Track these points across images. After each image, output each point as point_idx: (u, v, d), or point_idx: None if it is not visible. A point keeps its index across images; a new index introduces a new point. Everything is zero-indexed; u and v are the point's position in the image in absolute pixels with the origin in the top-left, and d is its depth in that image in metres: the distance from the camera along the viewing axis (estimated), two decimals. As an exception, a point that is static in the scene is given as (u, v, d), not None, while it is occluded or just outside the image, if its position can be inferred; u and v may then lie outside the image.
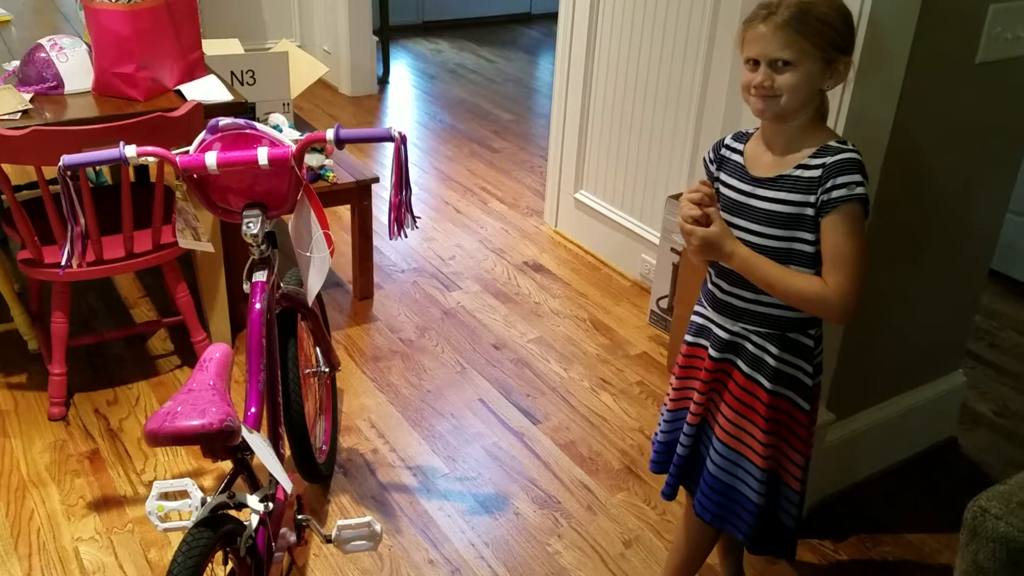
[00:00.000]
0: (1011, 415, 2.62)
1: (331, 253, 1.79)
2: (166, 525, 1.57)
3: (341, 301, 3.02)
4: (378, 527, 1.76)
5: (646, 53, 2.90)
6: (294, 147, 1.63)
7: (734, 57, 2.55)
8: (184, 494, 1.54)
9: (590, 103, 3.22)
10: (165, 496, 1.56)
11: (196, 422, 1.32)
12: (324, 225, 1.77)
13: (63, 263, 1.70)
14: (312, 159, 2.78)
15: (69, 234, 1.66)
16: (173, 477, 2.20)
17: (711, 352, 1.62)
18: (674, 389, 1.73)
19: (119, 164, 1.62)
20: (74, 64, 2.40)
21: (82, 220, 1.67)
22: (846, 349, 2.03)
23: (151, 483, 2.17)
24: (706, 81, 2.69)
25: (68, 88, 2.39)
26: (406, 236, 1.72)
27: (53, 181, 1.82)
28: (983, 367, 2.84)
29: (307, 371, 2.17)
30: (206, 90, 2.47)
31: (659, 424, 1.79)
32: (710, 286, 1.62)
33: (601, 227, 3.31)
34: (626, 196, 3.16)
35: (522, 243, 3.47)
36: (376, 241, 3.11)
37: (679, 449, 1.71)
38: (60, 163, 1.58)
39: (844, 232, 1.42)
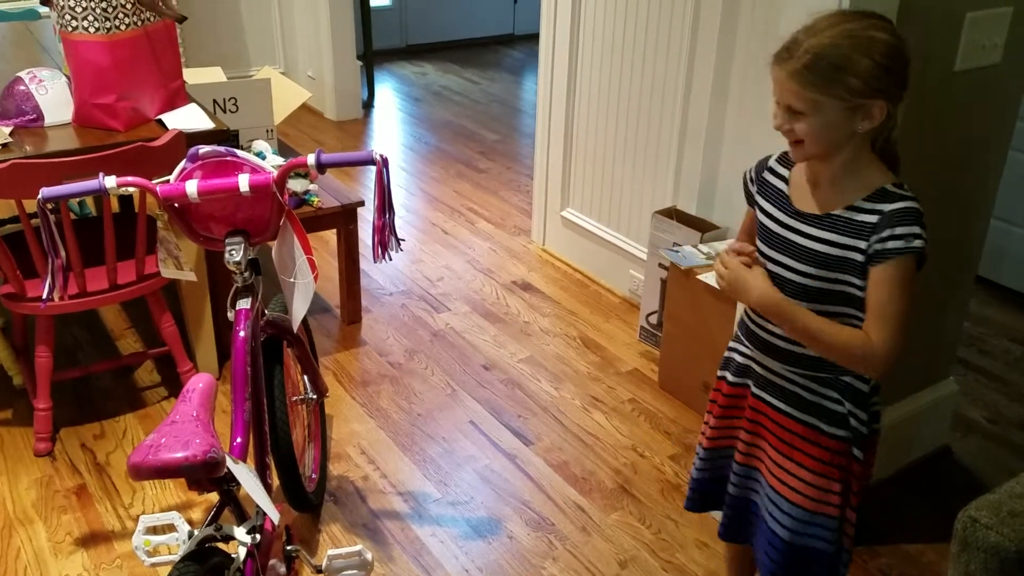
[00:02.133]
0: (1003, 421, 2.61)
1: (315, 278, 1.78)
2: (153, 560, 1.55)
3: (329, 326, 3.00)
4: (369, 556, 1.74)
5: (627, 70, 2.91)
6: (275, 173, 1.62)
7: (715, 71, 2.56)
8: (171, 528, 1.53)
9: (574, 121, 3.23)
10: (152, 530, 1.54)
11: (180, 454, 1.30)
12: (308, 250, 1.76)
13: (44, 296, 1.68)
14: (296, 184, 2.77)
15: (50, 267, 1.65)
16: (161, 510, 2.17)
17: (762, 395, 1.54)
18: (712, 427, 1.65)
19: (100, 195, 1.61)
20: (54, 96, 2.39)
21: (63, 253, 1.66)
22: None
23: (139, 517, 2.14)
24: (688, 96, 2.69)
25: (48, 120, 2.38)
26: (390, 259, 1.72)
27: (35, 215, 1.81)
28: (974, 374, 2.84)
29: (294, 398, 2.15)
30: (188, 119, 2.46)
31: (695, 462, 1.71)
32: (751, 326, 1.53)
33: (588, 244, 3.31)
34: (612, 213, 3.16)
35: (510, 262, 3.46)
36: (363, 265, 3.10)
37: (732, 489, 1.62)
38: (39, 196, 1.56)
39: (895, 285, 1.32)
